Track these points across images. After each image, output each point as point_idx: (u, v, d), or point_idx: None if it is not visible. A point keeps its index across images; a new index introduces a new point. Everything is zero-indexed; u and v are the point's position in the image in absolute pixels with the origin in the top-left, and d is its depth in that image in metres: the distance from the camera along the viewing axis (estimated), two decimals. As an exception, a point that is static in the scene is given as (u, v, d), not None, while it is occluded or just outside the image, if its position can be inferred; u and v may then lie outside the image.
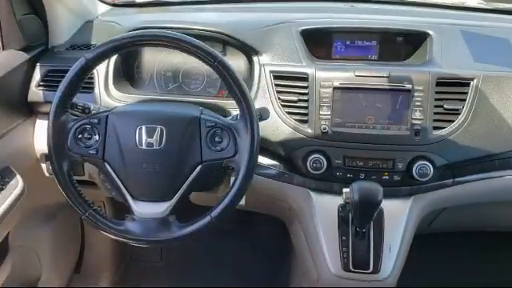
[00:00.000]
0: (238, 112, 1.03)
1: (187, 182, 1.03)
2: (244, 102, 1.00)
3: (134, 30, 1.22)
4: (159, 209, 1.03)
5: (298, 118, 1.20)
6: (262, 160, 1.23)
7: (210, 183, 1.24)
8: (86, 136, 1.04)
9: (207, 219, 1.02)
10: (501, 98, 1.19)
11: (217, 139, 1.04)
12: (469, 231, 1.59)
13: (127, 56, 1.36)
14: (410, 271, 1.25)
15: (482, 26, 1.37)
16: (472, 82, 1.19)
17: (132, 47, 1.05)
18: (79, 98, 1.09)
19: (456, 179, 1.21)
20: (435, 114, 1.17)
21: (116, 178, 1.04)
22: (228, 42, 1.31)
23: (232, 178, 1.07)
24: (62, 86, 1.01)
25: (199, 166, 1.04)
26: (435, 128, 1.17)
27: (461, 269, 1.90)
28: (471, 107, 1.18)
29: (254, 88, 1.24)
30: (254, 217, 1.58)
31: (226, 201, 1.02)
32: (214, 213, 1.02)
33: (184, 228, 1.03)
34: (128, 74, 1.38)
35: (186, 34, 1.00)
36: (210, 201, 1.14)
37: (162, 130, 1.03)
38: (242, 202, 1.05)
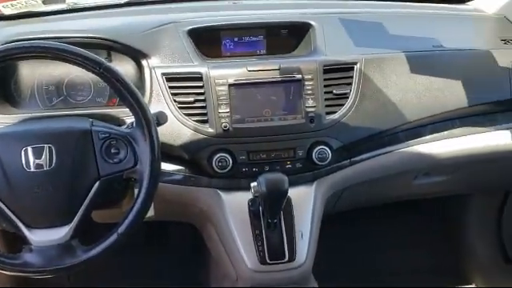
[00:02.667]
0: (133, 119, 0.98)
1: (86, 201, 0.97)
2: (138, 108, 0.96)
3: (6, 43, 1.11)
4: (59, 234, 0.96)
5: (197, 118, 1.18)
6: (166, 166, 1.19)
7: (112, 198, 1.18)
8: None
9: (114, 237, 0.96)
10: (383, 77, 1.28)
11: (113, 151, 0.99)
12: (372, 206, 1.69)
13: (2, 73, 1.24)
14: (324, 254, 1.30)
15: (359, 12, 1.46)
16: (356, 66, 1.26)
17: (2, 63, 0.96)
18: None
19: (352, 159, 1.28)
20: (326, 99, 1.22)
21: (4, 208, 0.94)
22: (113, 47, 1.25)
23: (136, 190, 1.02)
24: None
25: (97, 182, 0.98)
26: (328, 113, 1.22)
27: (371, 243, 2.03)
28: (358, 90, 1.25)
29: (147, 92, 1.19)
30: (165, 225, 1.53)
31: (132, 214, 0.97)
32: (121, 229, 0.97)
33: (90, 250, 0.97)
34: (5, 93, 1.25)
35: (67, 43, 0.93)
36: (115, 217, 1.08)
37: (50, 149, 0.95)
38: (151, 212, 1.01)
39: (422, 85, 1.31)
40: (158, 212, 1.11)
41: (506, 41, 1.45)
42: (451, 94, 1.32)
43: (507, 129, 1.40)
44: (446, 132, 1.37)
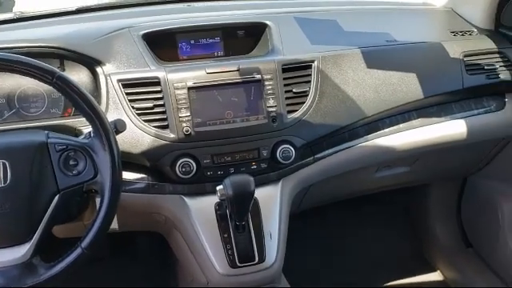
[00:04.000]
0: (91, 129, 0.95)
1: (46, 217, 0.93)
2: (95, 116, 0.93)
3: None
4: (19, 253, 0.92)
5: (157, 124, 1.16)
6: (127, 175, 1.16)
7: (74, 212, 1.14)
8: None
9: (78, 251, 0.93)
10: (340, 74, 1.29)
11: (71, 162, 0.96)
12: (337, 201, 1.71)
13: None
14: (293, 253, 1.31)
15: (314, 11, 1.48)
16: (313, 64, 1.27)
17: None
18: None
19: (316, 156, 1.29)
20: (287, 98, 1.22)
21: None
22: (65, 56, 1.20)
23: (98, 201, 0.99)
24: None
25: (57, 196, 0.94)
26: (289, 112, 1.22)
27: (338, 238, 2.06)
28: (317, 87, 1.26)
29: (104, 100, 1.16)
30: (130, 236, 1.50)
31: (95, 227, 0.94)
32: (84, 243, 0.93)
33: (53, 267, 0.93)
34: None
35: (16, 54, 0.89)
36: (78, 231, 1.05)
37: (4, 165, 0.91)
38: (115, 224, 0.98)
39: (379, 79, 1.33)
40: (122, 223, 1.08)
41: (455, 33, 1.50)
42: (407, 86, 1.36)
43: (461, 118, 1.45)
44: (403, 124, 1.40)
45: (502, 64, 1.46)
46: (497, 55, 1.47)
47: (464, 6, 1.59)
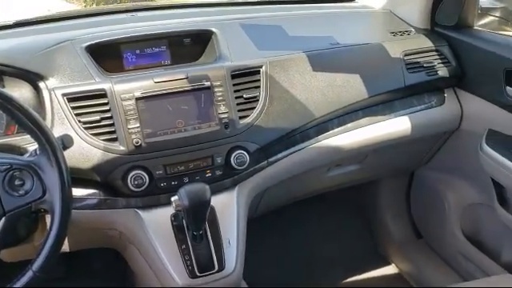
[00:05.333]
0: (36, 146, 0.91)
1: (-8, 241, 0.88)
2: (40, 133, 0.90)
3: None
4: (-36, 282, 0.86)
5: (106, 137, 1.12)
6: (77, 192, 1.12)
7: (22, 234, 1.09)
8: None
9: (29, 275, 0.89)
10: (288, 78, 1.32)
11: (17, 182, 0.91)
12: (292, 203, 1.73)
13: None
14: (252, 257, 1.31)
15: (259, 17, 1.50)
16: (261, 70, 1.28)
17: None
18: None
19: (269, 160, 1.31)
20: (238, 104, 1.23)
21: None
22: (5, 71, 1.15)
23: (48, 221, 0.95)
24: None
25: (3, 219, 0.89)
26: (241, 117, 1.23)
27: (295, 239, 2.08)
28: (266, 92, 1.27)
29: (48, 116, 1.12)
30: (85, 254, 1.44)
31: (47, 248, 0.90)
32: (36, 265, 0.89)
33: (2, 293, 0.88)
34: None
35: None
36: (28, 253, 1.00)
37: None
38: (65, 246, 0.94)
39: (325, 82, 1.36)
40: (75, 241, 1.04)
41: (394, 33, 1.56)
42: (352, 87, 1.40)
43: (405, 115, 1.51)
44: (351, 124, 1.44)
45: (439, 61, 1.53)
46: (434, 53, 1.54)
47: (401, 8, 1.67)
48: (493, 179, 1.48)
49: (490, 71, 1.46)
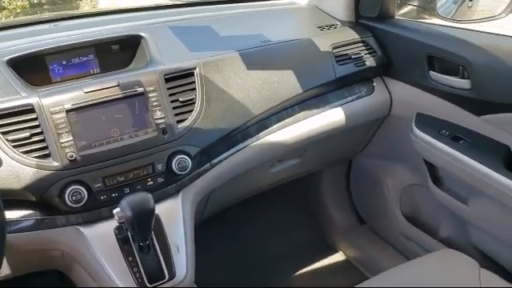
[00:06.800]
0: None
1: None
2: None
3: None
4: None
5: (38, 154, 1.07)
6: (11, 214, 1.06)
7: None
8: None
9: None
10: (223, 78, 1.31)
11: None
12: (238, 202, 1.74)
13: None
14: (203, 262, 1.29)
15: (188, 18, 1.48)
16: (195, 71, 1.26)
17: None
18: None
19: (212, 162, 1.30)
20: (174, 108, 1.21)
21: None
22: None
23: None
24: None
25: None
26: (179, 121, 1.21)
27: (245, 238, 2.08)
28: (203, 94, 1.26)
29: (-29, 137, 1.04)
30: (26, 278, 1.36)
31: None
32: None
33: None
34: None
35: None
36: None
37: None
38: (6, 270, 0.89)
39: (260, 79, 1.37)
40: (17, 266, 0.98)
41: (321, 27, 1.60)
42: (286, 83, 1.42)
43: (338, 106, 1.56)
44: (289, 119, 1.46)
45: (366, 52, 1.59)
46: (361, 44, 1.60)
47: (326, 2, 1.71)
48: (425, 160, 1.56)
49: (413, 58, 1.53)
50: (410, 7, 1.69)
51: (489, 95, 1.33)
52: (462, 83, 1.39)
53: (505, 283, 1.16)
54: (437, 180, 1.58)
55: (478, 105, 1.37)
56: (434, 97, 1.50)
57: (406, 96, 1.62)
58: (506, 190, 1.27)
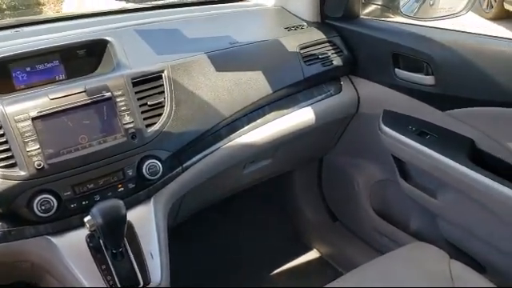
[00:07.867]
0: None
1: None
2: None
3: None
4: None
5: (3, 164, 1.04)
6: (-22, 227, 1.03)
7: None
8: None
9: None
10: (192, 81, 1.30)
11: None
12: (212, 205, 1.73)
13: None
14: (180, 266, 1.28)
15: (155, 21, 1.47)
16: (163, 74, 1.25)
17: None
18: None
19: (184, 165, 1.29)
20: (143, 112, 1.19)
21: None
22: None
23: None
24: None
25: None
26: (148, 125, 1.19)
27: (221, 239, 2.08)
28: (172, 97, 1.25)
29: None
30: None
31: None
32: None
33: None
34: None
35: None
36: None
37: None
38: None
39: (230, 81, 1.37)
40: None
41: (288, 28, 1.62)
42: (256, 84, 1.42)
43: (307, 106, 1.57)
44: (260, 120, 1.46)
45: (332, 51, 1.61)
46: (327, 44, 1.62)
47: (292, 3, 1.73)
48: (393, 156, 1.59)
49: (379, 56, 1.56)
50: (375, 6, 1.73)
51: (452, 90, 1.37)
52: (426, 79, 1.43)
53: (474, 273, 1.20)
54: (405, 175, 1.62)
55: (442, 100, 1.41)
56: (400, 94, 1.53)
57: (372, 94, 1.65)
58: (471, 182, 1.31)
